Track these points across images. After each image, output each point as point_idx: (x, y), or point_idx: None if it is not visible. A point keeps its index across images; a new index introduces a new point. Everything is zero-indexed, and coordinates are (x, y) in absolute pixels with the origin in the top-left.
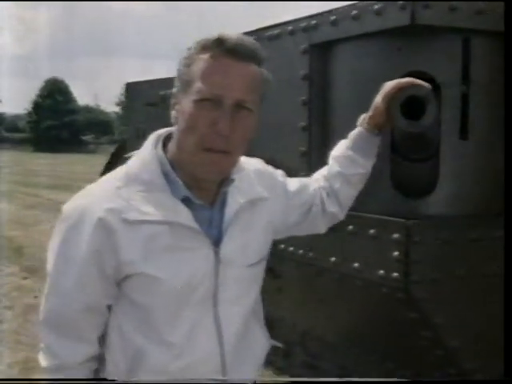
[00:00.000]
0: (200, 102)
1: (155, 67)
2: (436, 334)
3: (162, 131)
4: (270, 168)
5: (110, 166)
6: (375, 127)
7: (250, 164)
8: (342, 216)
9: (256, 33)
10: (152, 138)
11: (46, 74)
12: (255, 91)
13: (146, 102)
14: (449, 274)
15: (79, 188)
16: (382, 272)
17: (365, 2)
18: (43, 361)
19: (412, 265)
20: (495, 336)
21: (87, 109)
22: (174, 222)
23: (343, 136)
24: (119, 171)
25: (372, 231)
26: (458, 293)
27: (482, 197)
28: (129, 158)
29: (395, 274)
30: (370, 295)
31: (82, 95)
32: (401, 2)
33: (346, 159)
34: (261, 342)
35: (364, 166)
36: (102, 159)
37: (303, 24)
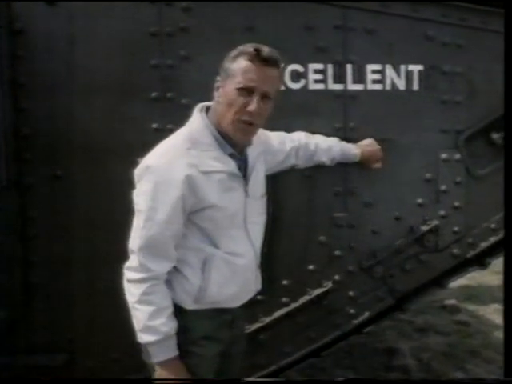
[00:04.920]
0: (239, 89)
1: None
2: None
3: (203, 104)
4: (270, 133)
5: None
6: (359, 158)
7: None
8: (301, 166)
9: None
10: (198, 109)
11: None
12: (275, 86)
13: None
14: None
15: None
16: None
17: None
18: (137, 274)
19: None
20: None
21: None
22: (229, 171)
23: None
24: (180, 135)
25: None
26: None
27: None
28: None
29: None
30: None
31: None
32: None
33: (329, 152)
34: None
35: (327, 162)
36: None
37: None
